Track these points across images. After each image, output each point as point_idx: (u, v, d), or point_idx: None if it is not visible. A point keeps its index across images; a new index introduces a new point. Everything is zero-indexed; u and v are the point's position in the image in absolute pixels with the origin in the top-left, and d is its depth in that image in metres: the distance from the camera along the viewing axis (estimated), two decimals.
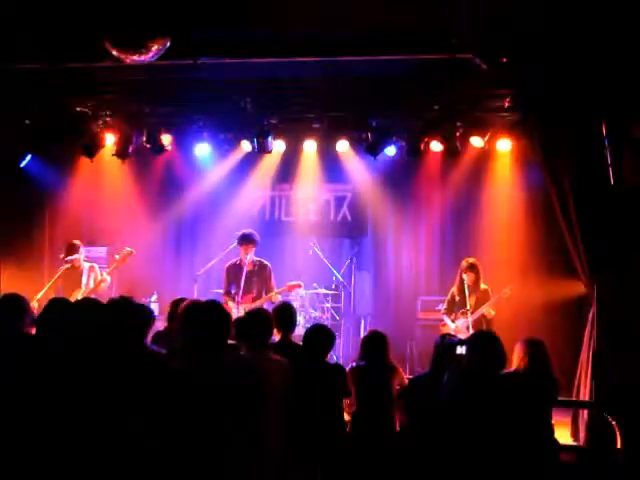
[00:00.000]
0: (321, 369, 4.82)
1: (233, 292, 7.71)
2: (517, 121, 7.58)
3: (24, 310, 4.34)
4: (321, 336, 4.90)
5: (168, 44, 5.64)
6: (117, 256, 7.66)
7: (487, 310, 7.49)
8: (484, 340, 4.75)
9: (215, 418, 3.69)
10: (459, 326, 7.49)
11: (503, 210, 8.76)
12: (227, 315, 3.90)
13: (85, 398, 3.76)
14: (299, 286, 8.03)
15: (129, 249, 7.62)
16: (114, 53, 5.63)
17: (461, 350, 4.74)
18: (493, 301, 7.51)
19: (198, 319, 4.02)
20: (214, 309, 4.03)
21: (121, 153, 8.41)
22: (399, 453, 4.69)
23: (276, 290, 7.65)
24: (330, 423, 4.73)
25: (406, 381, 5.10)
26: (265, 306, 7.06)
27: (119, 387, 3.77)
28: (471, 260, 7.68)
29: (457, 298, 7.70)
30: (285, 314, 5.06)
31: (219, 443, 3.69)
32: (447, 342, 4.93)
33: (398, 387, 5.06)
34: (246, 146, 8.64)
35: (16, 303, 4.32)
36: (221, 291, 7.94)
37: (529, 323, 7.59)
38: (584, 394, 6.34)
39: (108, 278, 7.63)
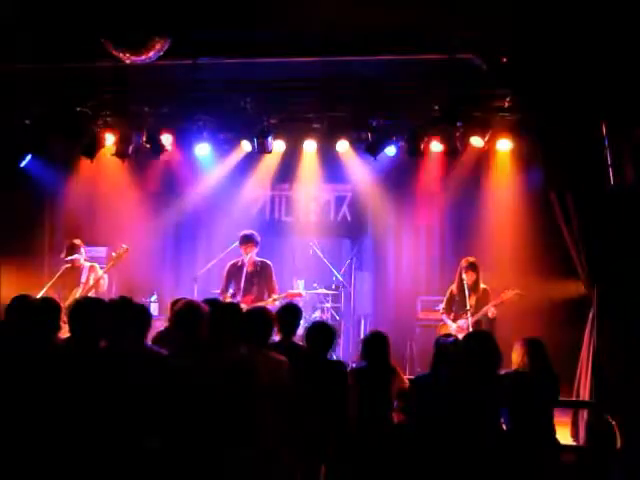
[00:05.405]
0: (323, 366, 4.82)
1: (231, 292, 7.71)
2: (517, 121, 7.58)
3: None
4: (323, 333, 4.90)
5: (168, 44, 5.64)
6: (114, 254, 7.68)
7: (490, 310, 7.47)
8: (479, 339, 4.79)
9: (213, 417, 3.70)
10: (460, 326, 7.48)
11: (503, 210, 8.76)
12: (224, 314, 3.90)
13: (85, 398, 3.76)
14: (299, 295, 8.02)
15: (125, 246, 7.63)
16: (114, 53, 5.63)
17: (457, 350, 4.75)
18: (497, 302, 7.48)
19: (191, 319, 4.03)
20: (206, 308, 4.04)
21: (121, 153, 8.39)
22: (398, 454, 4.69)
23: (275, 296, 7.63)
24: (332, 422, 4.73)
25: (406, 382, 5.10)
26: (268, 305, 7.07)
27: (119, 387, 3.77)
28: (471, 259, 7.67)
29: (456, 298, 7.69)
30: (289, 315, 5.06)
31: (218, 442, 3.70)
32: (442, 342, 4.94)
33: (397, 389, 5.06)
34: (246, 146, 8.63)
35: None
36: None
37: (529, 323, 7.58)
38: (584, 394, 6.34)
39: (105, 277, 7.63)
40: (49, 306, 4.33)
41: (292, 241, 9.64)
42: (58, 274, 7.55)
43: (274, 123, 8.21)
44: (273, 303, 7.54)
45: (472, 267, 7.59)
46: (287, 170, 9.46)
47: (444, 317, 7.78)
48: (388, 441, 4.79)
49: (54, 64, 6.65)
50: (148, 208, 9.55)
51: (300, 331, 5.36)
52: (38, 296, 6.90)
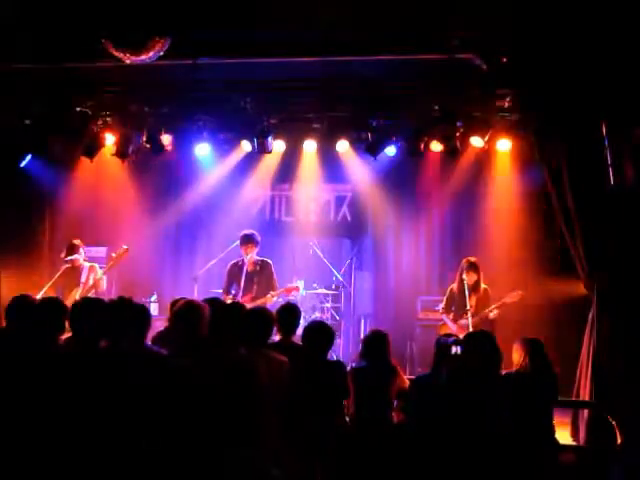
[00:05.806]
0: (321, 366, 4.82)
1: (233, 292, 7.72)
2: (517, 121, 7.58)
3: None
4: (319, 333, 4.90)
5: (168, 44, 5.64)
6: (113, 254, 7.69)
7: (491, 312, 7.45)
8: (479, 339, 4.79)
9: (213, 417, 3.70)
10: (461, 325, 7.47)
11: (503, 210, 8.75)
12: (224, 313, 3.90)
13: (85, 398, 3.76)
14: (297, 289, 8.03)
15: (125, 247, 7.64)
16: (114, 53, 5.63)
17: (456, 349, 4.76)
18: (499, 304, 7.46)
19: (191, 319, 4.03)
20: (207, 308, 4.04)
21: (121, 153, 8.39)
22: (398, 454, 4.69)
23: (272, 293, 7.65)
24: (331, 422, 4.73)
25: (406, 382, 5.10)
26: (268, 305, 7.07)
27: (119, 387, 3.77)
28: (472, 259, 7.63)
29: (457, 298, 7.68)
30: (289, 315, 5.06)
31: (218, 442, 3.70)
32: (443, 342, 4.95)
33: (398, 389, 5.06)
34: (246, 146, 8.63)
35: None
36: (221, 290, 7.94)
37: (529, 323, 7.59)
38: (584, 394, 6.34)
39: (104, 277, 7.65)
40: (51, 306, 4.33)
41: (292, 241, 9.64)
42: (58, 274, 7.56)
43: (274, 123, 8.21)
44: (271, 300, 7.56)
45: (473, 267, 7.57)
46: (287, 170, 9.46)
47: (444, 317, 7.78)
48: (388, 441, 4.78)
49: (54, 64, 6.65)
50: (148, 208, 9.55)
51: (300, 331, 5.36)
52: (38, 296, 6.93)
